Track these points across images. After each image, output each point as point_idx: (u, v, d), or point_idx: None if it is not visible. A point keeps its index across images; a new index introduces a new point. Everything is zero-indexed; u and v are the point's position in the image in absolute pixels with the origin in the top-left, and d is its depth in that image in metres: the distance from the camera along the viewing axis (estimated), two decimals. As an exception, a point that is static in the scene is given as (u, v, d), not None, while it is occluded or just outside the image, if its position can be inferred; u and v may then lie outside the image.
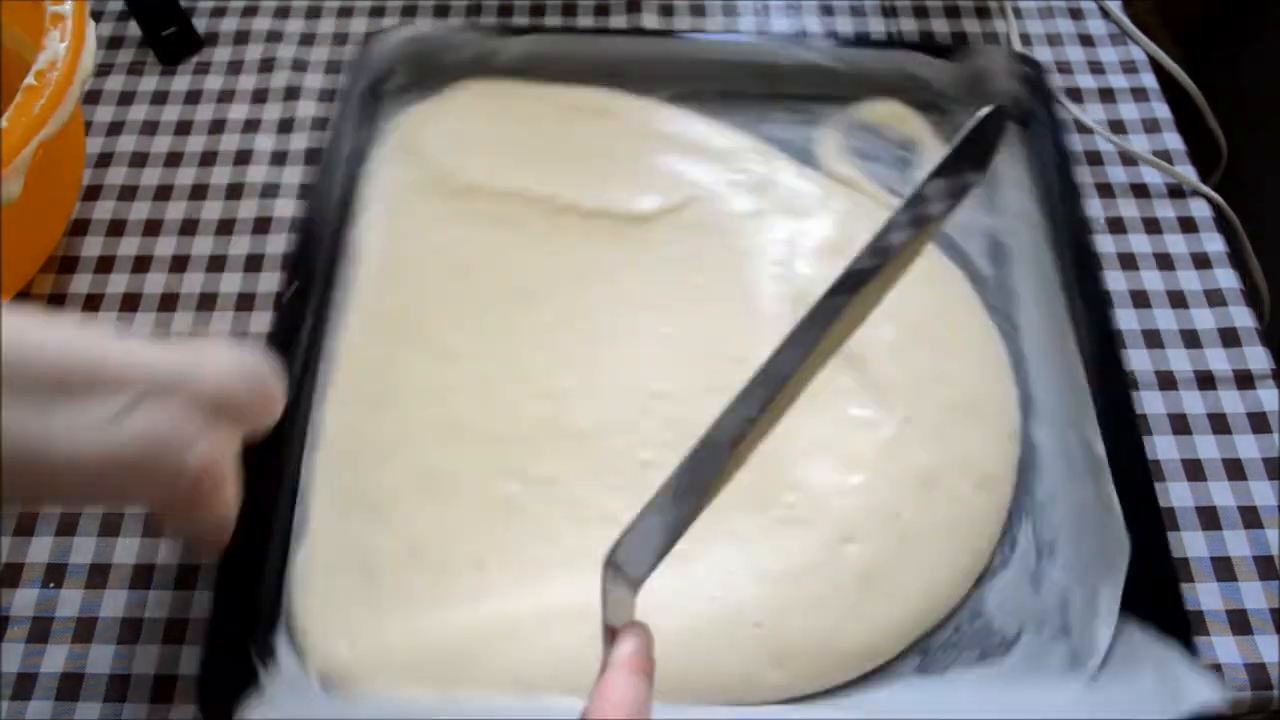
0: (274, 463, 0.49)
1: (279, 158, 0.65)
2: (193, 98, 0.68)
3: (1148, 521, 0.47)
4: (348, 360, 0.54)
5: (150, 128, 0.66)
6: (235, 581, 0.46)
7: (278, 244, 0.61)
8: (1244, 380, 0.56)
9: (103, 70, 0.69)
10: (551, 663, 0.44)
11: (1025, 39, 0.70)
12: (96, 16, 0.71)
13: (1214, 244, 0.61)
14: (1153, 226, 0.62)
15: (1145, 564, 0.45)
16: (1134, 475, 0.48)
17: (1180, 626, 0.44)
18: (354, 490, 0.50)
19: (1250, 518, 0.51)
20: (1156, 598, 0.45)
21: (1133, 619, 0.44)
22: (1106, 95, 0.68)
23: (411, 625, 0.46)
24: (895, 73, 0.63)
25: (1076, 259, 0.55)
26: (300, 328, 0.53)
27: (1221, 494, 0.52)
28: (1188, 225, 0.62)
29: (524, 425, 0.52)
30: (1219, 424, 0.54)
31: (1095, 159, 0.65)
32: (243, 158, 0.65)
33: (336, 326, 0.54)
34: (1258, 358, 0.57)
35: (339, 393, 0.52)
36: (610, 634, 0.37)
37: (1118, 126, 0.66)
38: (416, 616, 0.46)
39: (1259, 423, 0.54)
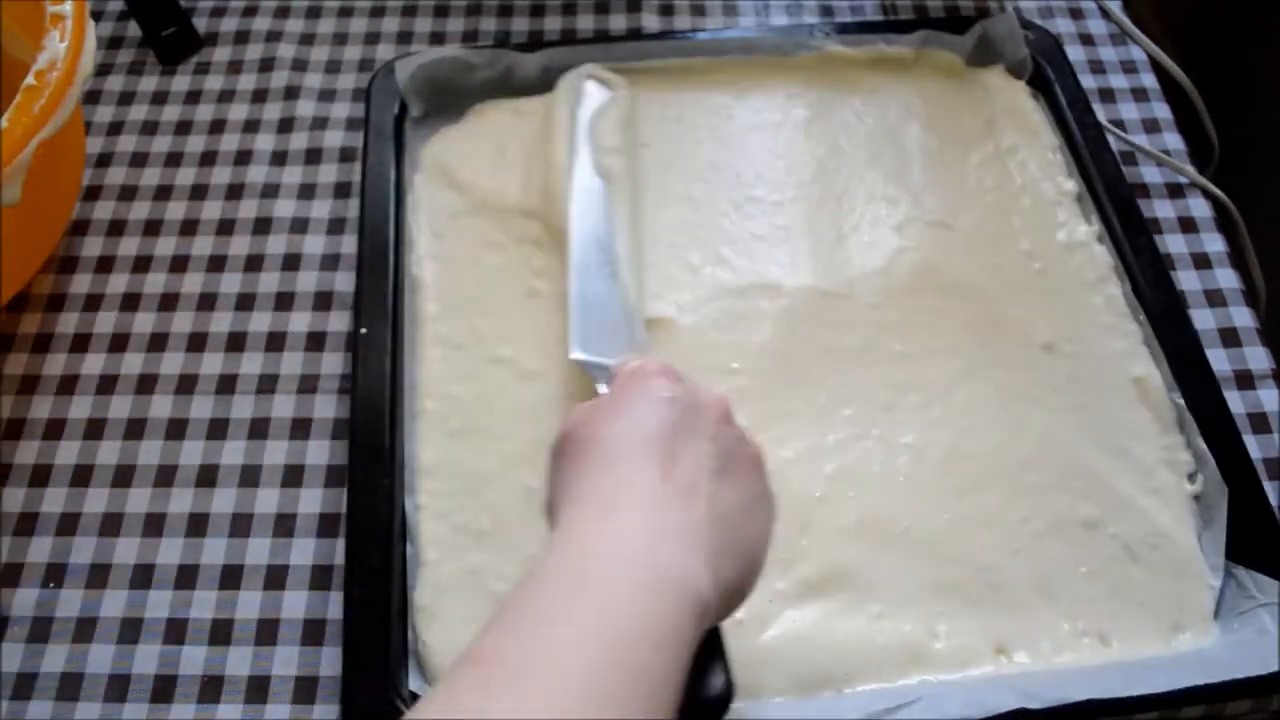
0: (379, 502, 0.49)
1: (279, 158, 0.65)
2: (193, 98, 0.68)
3: (1242, 470, 0.50)
4: (433, 391, 0.54)
5: (150, 128, 0.66)
6: (366, 628, 0.45)
7: (278, 244, 0.61)
8: (1244, 380, 0.56)
9: (103, 70, 0.69)
10: None
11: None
12: (96, 16, 0.71)
13: (1214, 244, 0.61)
14: (1153, 226, 0.62)
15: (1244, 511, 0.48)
16: (1221, 427, 0.51)
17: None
18: (463, 519, 0.50)
19: (1250, 518, 0.51)
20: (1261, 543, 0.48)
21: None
22: (1106, 95, 0.68)
23: None
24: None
25: (1121, 213, 0.58)
26: (381, 364, 0.53)
27: (1221, 494, 0.52)
28: (1188, 225, 0.62)
29: None
30: (1219, 424, 0.54)
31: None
32: (243, 158, 0.65)
33: (414, 359, 0.55)
34: (1258, 358, 0.57)
35: (431, 423, 0.53)
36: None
37: (1117, 126, 0.66)
38: None
39: (1259, 423, 0.54)
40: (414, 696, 0.44)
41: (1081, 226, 0.59)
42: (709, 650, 0.37)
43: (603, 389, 0.46)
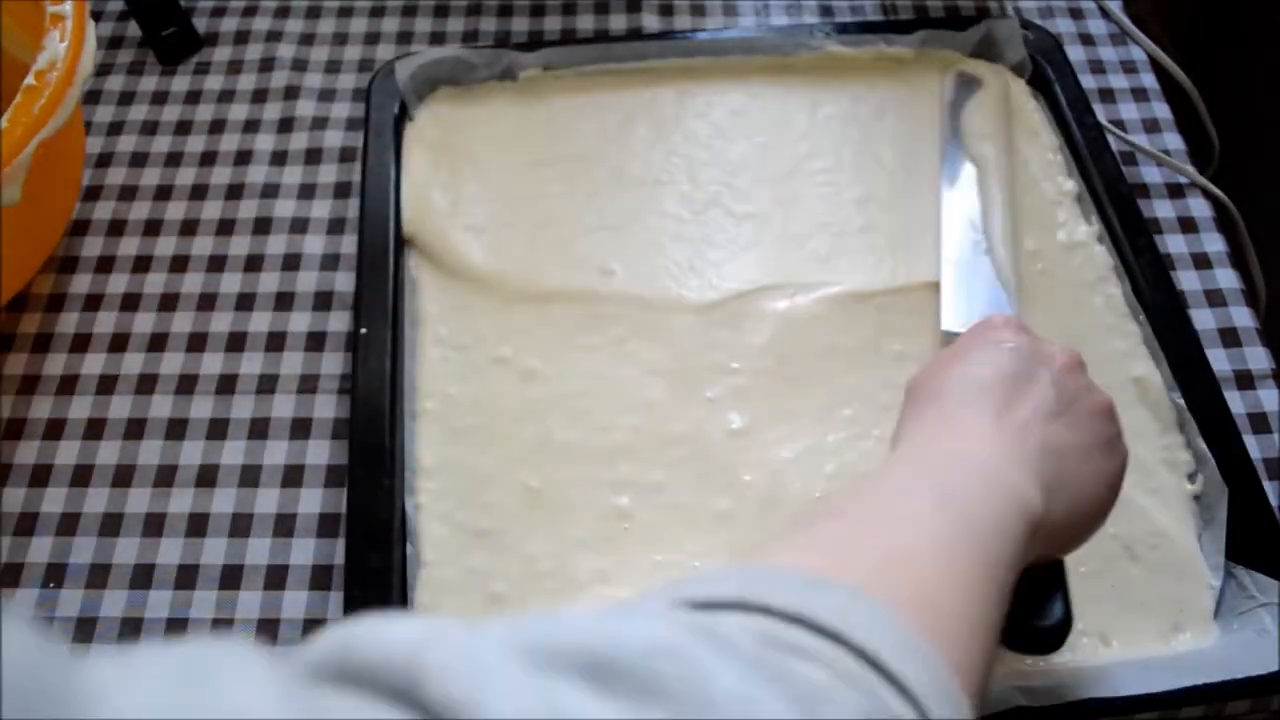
0: (379, 502, 0.49)
1: (279, 158, 0.65)
2: (193, 98, 0.68)
3: (1242, 470, 0.50)
4: (433, 391, 0.54)
5: (150, 128, 0.66)
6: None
7: (278, 244, 0.61)
8: (1244, 380, 0.56)
9: (103, 70, 0.69)
10: None
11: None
12: (96, 16, 0.71)
13: (1214, 244, 0.61)
14: (1153, 226, 0.62)
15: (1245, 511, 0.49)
16: (1221, 427, 0.51)
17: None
18: (463, 519, 0.50)
19: (1250, 518, 0.51)
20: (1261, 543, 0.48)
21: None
22: (1106, 95, 0.68)
23: None
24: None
25: (1121, 213, 0.59)
26: (381, 364, 0.53)
27: (1221, 494, 0.52)
28: (1188, 225, 0.62)
29: (619, 436, 0.52)
30: (1219, 424, 0.54)
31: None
32: (243, 158, 0.65)
33: (415, 359, 0.54)
34: (1258, 358, 0.57)
35: (431, 424, 0.53)
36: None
37: (1117, 126, 0.66)
38: None
39: (1259, 423, 0.54)
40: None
41: (1082, 226, 0.59)
42: (1048, 582, 0.41)
43: None
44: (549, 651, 0.21)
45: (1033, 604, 0.39)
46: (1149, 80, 0.69)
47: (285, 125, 0.66)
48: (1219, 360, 0.56)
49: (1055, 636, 0.41)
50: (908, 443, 0.39)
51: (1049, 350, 0.41)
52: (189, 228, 0.62)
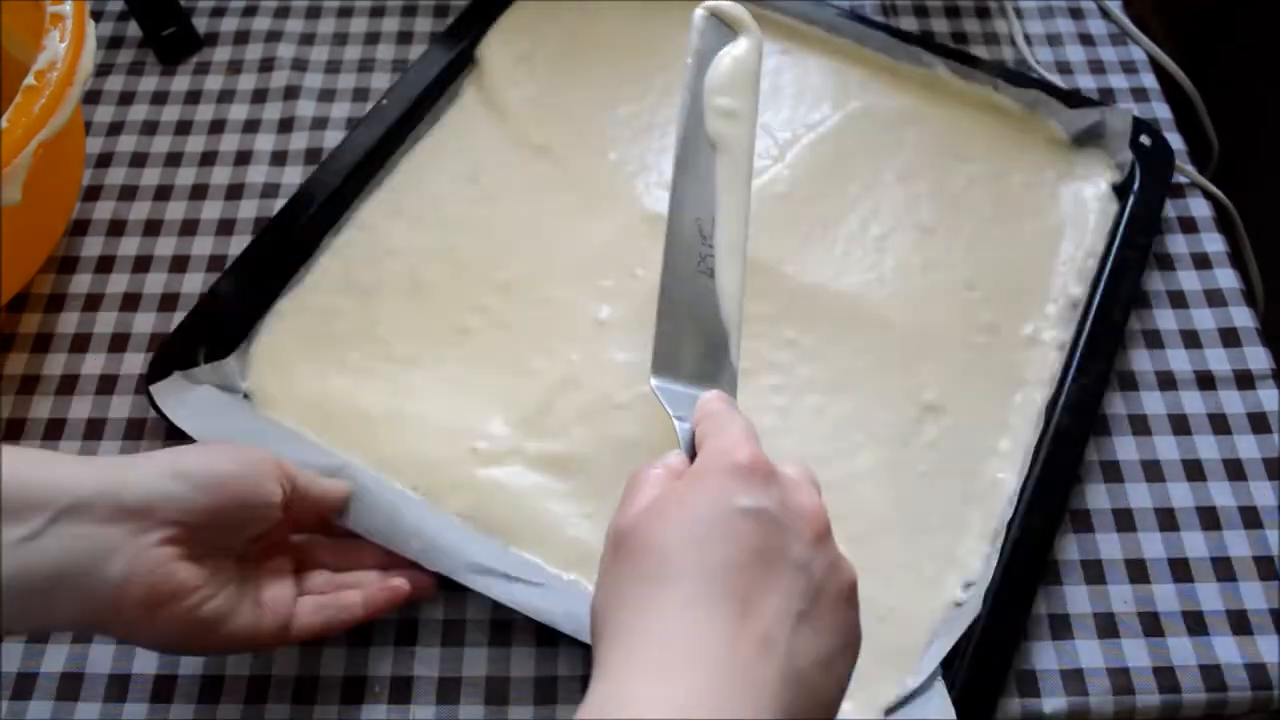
0: (298, 223, 0.59)
1: (279, 158, 0.65)
2: (193, 98, 0.68)
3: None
4: (388, 185, 0.62)
5: (150, 128, 0.66)
6: (219, 296, 0.56)
7: (278, 244, 0.61)
8: (1244, 380, 0.56)
9: (103, 70, 0.69)
10: (416, 464, 0.51)
11: (1026, 39, 0.70)
12: (96, 16, 0.71)
13: (1214, 244, 0.61)
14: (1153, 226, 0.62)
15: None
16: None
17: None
18: (353, 269, 0.58)
19: (1250, 518, 0.51)
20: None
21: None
22: (1106, 95, 0.68)
23: (335, 385, 0.54)
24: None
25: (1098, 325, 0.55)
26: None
27: (1222, 494, 0.52)
28: (1188, 225, 0.62)
29: (509, 277, 0.58)
30: (1219, 424, 0.54)
31: (1095, 159, 0.65)
32: (243, 158, 0.65)
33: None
34: (1258, 358, 0.57)
35: (377, 202, 0.61)
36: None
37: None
38: (343, 380, 0.54)
39: (1259, 423, 0.54)
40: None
41: (1049, 332, 0.56)
42: None
43: (681, 425, 0.42)
44: None
45: None
46: (1149, 80, 0.69)
47: (285, 125, 0.66)
48: (1219, 360, 0.56)
49: None
50: (613, 675, 0.30)
51: (800, 510, 0.34)
52: (189, 228, 0.62)
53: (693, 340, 0.45)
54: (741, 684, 0.29)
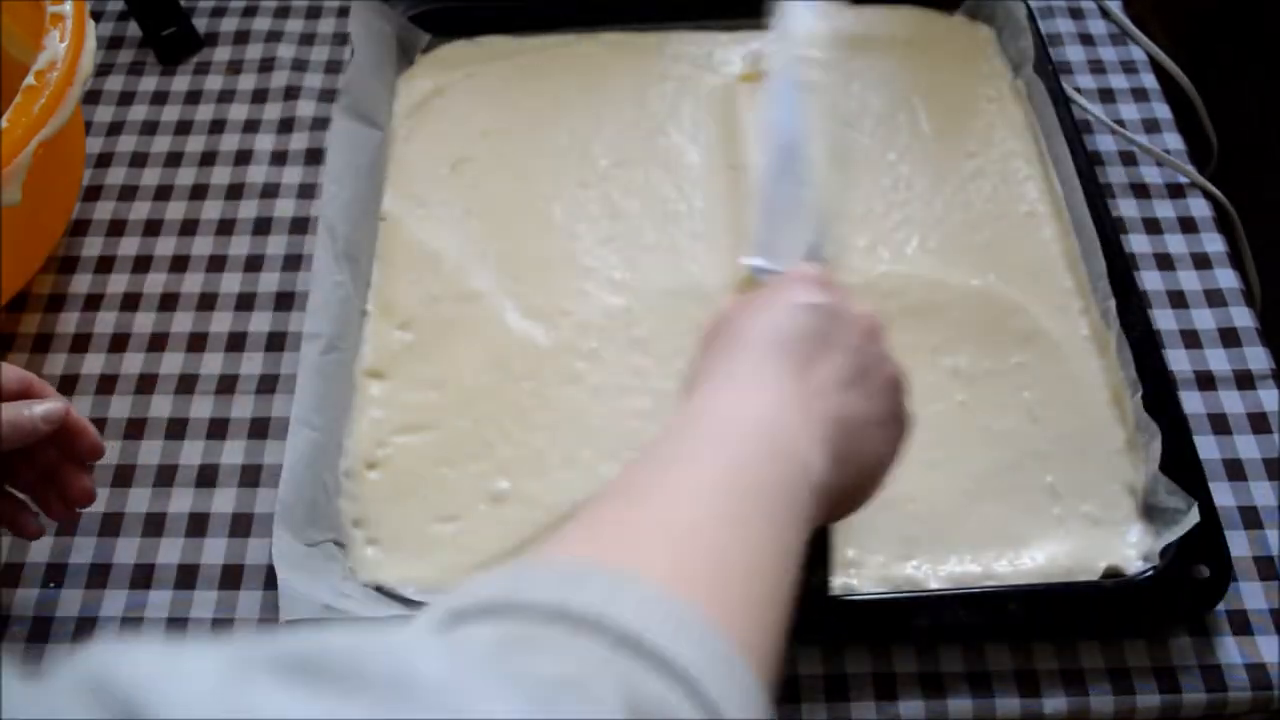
0: None
1: (279, 158, 0.65)
2: (193, 98, 0.68)
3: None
4: None
5: (150, 128, 0.66)
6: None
7: (278, 244, 0.61)
8: (1244, 380, 0.56)
9: (103, 70, 0.69)
10: None
11: (1025, 39, 0.70)
12: (96, 16, 0.71)
13: (1214, 244, 0.61)
14: (1153, 227, 0.62)
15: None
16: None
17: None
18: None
19: (1250, 518, 0.51)
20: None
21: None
22: (1106, 95, 0.68)
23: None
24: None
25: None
26: None
27: (1222, 494, 0.52)
28: (1188, 225, 0.62)
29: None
30: (1219, 424, 0.54)
31: (1096, 159, 0.64)
32: (243, 158, 0.65)
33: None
34: (1258, 358, 0.57)
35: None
36: None
37: (1118, 126, 0.66)
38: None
39: (1259, 423, 0.54)
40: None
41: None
42: (814, 547, 0.40)
43: None
44: (256, 659, 0.21)
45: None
46: (1149, 80, 0.69)
47: (285, 125, 0.66)
48: (1219, 360, 0.56)
49: (813, 601, 0.40)
50: (701, 395, 0.38)
51: (852, 314, 0.41)
52: (189, 228, 0.62)
53: (788, 234, 0.50)
54: (798, 410, 0.36)
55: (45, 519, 0.46)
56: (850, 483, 0.38)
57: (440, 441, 0.53)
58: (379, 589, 0.49)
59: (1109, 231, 0.57)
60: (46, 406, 0.44)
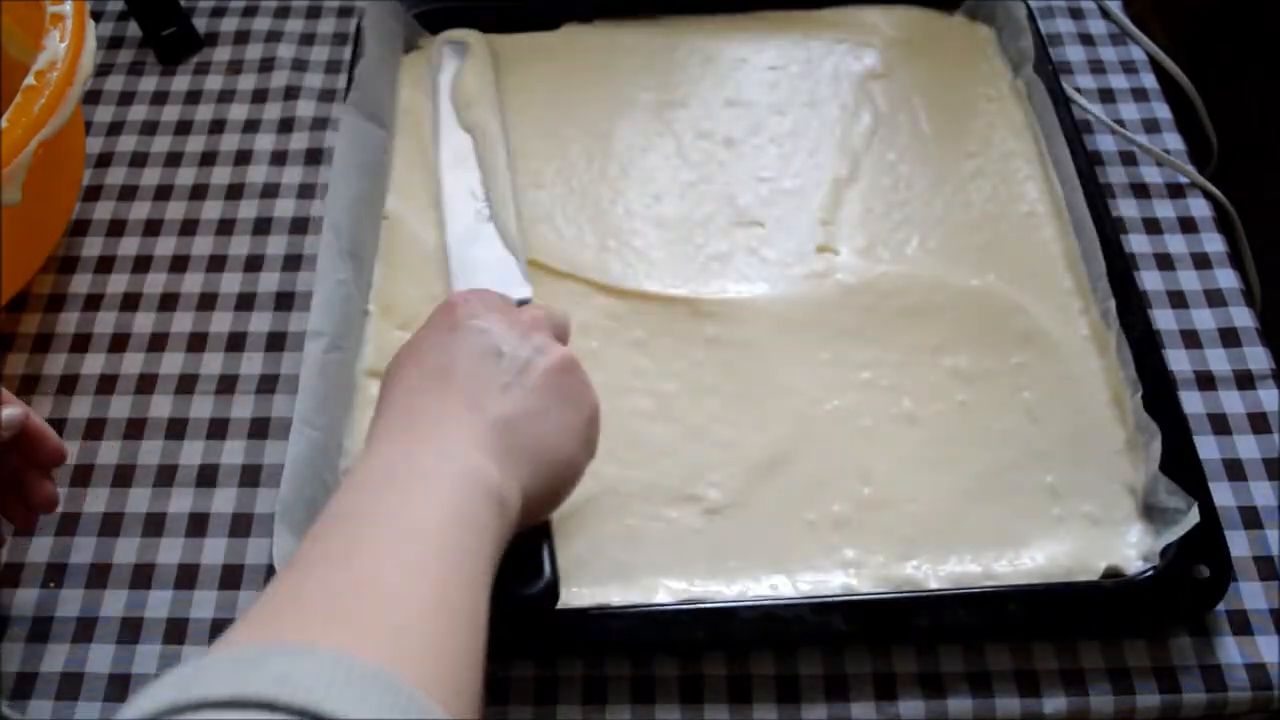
0: None
1: (279, 158, 0.65)
2: (193, 98, 0.68)
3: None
4: None
5: (150, 128, 0.66)
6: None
7: (278, 244, 0.61)
8: (1244, 380, 0.56)
9: (103, 70, 0.69)
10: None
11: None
12: (96, 16, 0.71)
13: (1214, 244, 0.61)
14: (1153, 227, 0.62)
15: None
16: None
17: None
18: None
19: (1250, 518, 0.51)
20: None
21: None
22: (1106, 95, 0.68)
23: None
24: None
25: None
26: None
27: (1222, 494, 0.52)
28: (1188, 225, 0.62)
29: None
30: (1219, 424, 0.54)
31: (1095, 159, 0.64)
32: (243, 158, 0.65)
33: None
34: (1258, 358, 0.57)
35: None
36: None
37: (1118, 126, 0.66)
38: None
39: (1259, 423, 0.54)
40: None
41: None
42: (533, 545, 0.43)
43: None
44: None
45: (520, 570, 0.41)
46: (1149, 80, 0.69)
47: (285, 125, 0.66)
48: (1219, 360, 0.56)
49: (545, 599, 0.43)
50: (376, 448, 0.39)
51: (506, 318, 0.43)
52: (189, 228, 0.62)
53: (485, 266, 0.56)
54: (456, 426, 0.38)
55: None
56: (535, 480, 0.39)
57: None
58: None
59: (1109, 231, 0.57)
60: (7, 412, 0.43)
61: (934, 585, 0.49)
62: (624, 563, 0.49)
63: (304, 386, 0.51)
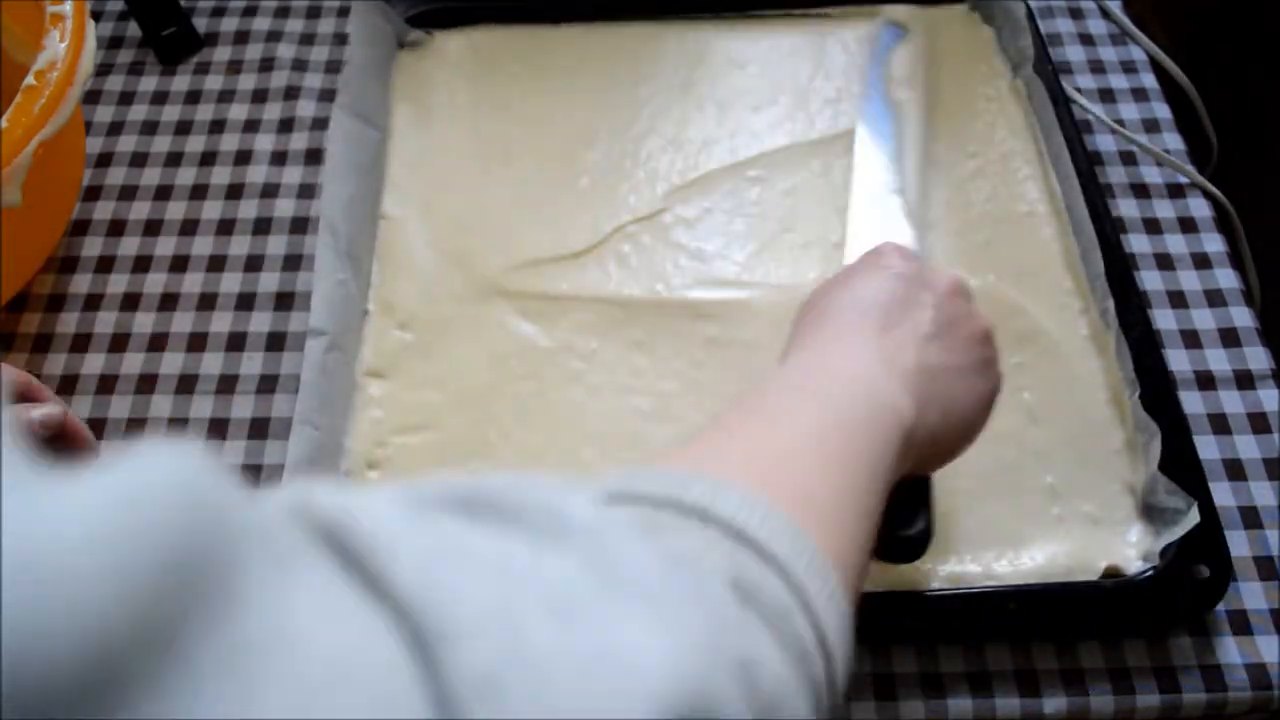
0: None
1: (279, 158, 0.65)
2: (193, 98, 0.68)
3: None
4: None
5: (150, 128, 0.66)
6: None
7: (278, 244, 0.61)
8: (1244, 380, 0.56)
9: (103, 70, 0.69)
10: None
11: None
12: (96, 16, 0.71)
13: (1214, 244, 0.61)
14: (1153, 227, 0.62)
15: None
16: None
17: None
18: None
19: (1250, 518, 0.51)
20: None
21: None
22: (1106, 95, 0.68)
23: None
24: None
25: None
26: None
27: (1222, 494, 0.52)
28: (1188, 225, 0.62)
29: None
30: (1219, 424, 0.54)
31: (1095, 159, 0.64)
32: (243, 158, 0.65)
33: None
34: (1258, 358, 0.57)
35: None
36: None
37: (1118, 126, 0.66)
38: None
39: (1259, 423, 0.54)
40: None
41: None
42: (914, 495, 0.43)
43: None
44: (424, 497, 0.24)
45: (898, 515, 0.41)
46: (1149, 80, 0.69)
47: (285, 125, 0.66)
48: (1219, 360, 0.56)
49: (916, 546, 0.44)
50: (791, 360, 0.41)
51: (931, 276, 0.43)
52: (189, 228, 0.62)
53: (883, 233, 0.54)
54: (880, 362, 0.38)
55: None
56: (939, 428, 0.40)
57: (440, 441, 0.53)
58: None
59: (1109, 231, 0.57)
60: (44, 410, 0.43)
61: (934, 585, 0.49)
62: None
63: (305, 385, 0.51)
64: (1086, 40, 0.71)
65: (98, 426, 0.54)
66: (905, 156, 0.60)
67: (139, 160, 0.65)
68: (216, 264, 0.60)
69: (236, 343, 0.57)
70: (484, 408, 0.54)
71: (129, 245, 0.61)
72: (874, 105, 0.63)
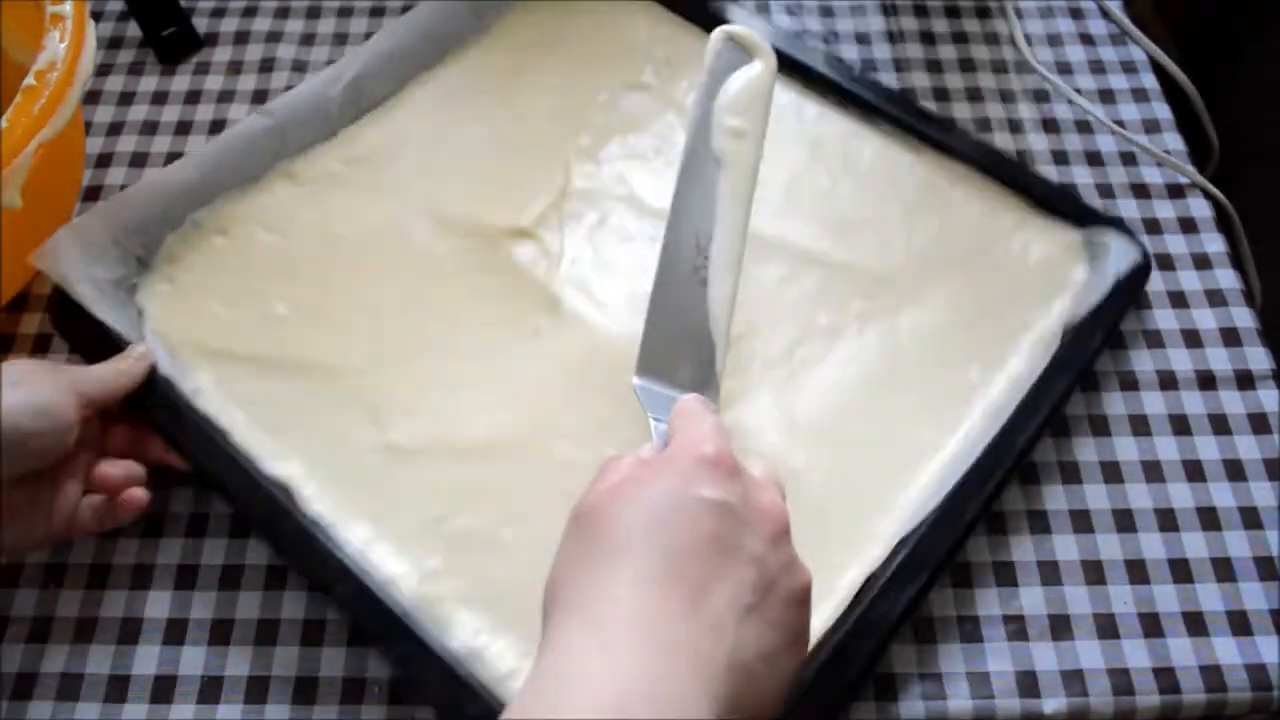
0: None
1: (279, 158, 0.65)
2: (193, 98, 0.68)
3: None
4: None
5: (150, 128, 0.66)
6: None
7: (278, 244, 0.61)
8: (1244, 380, 0.56)
9: (103, 70, 0.69)
10: None
11: (1026, 39, 0.70)
12: (96, 16, 0.71)
13: (1214, 244, 0.61)
14: (1153, 227, 0.62)
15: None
16: None
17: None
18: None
19: (1250, 518, 0.51)
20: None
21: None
22: (1106, 95, 0.68)
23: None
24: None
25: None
26: None
27: (1222, 494, 0.52)
28: (1188, 225, 0.62)
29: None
30: (1219, 424, 0.54)
31: (1095, 160, 0.65)
32: (243, 158, 0.65)
33: None
34: (1258, 358, 0.57)
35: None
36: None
37: (1118, 126, 0.66)
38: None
39: (1259, 423, 0.54)
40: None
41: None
42: None
43: (657, 425, 0.42)
44: None
45: None
46: (1149, 80, 0.69)
47: (285, 125, 0.66)
48: (1219, 360, 0.56)
49: None
50: (566, 638, 0.31)
51: (760, 508, 0.35)
52: (189, 228, 0.62)
53: (679, 347, 0.46)
54: (687, 663, 0.30)
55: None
56: None
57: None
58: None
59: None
60: (138, 350, 0.50)
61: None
62: None
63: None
64: (1086, 40, 0.71)
65: (98, 427, 0.54)
66: (727, 234, 0.47)
67: (139, 160, 0.65)
68: (216, 264, 0.60)
69: (236, 343, 0.57)
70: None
71: (129, 245, 0.61)
72: (698, 148, 0.48)
